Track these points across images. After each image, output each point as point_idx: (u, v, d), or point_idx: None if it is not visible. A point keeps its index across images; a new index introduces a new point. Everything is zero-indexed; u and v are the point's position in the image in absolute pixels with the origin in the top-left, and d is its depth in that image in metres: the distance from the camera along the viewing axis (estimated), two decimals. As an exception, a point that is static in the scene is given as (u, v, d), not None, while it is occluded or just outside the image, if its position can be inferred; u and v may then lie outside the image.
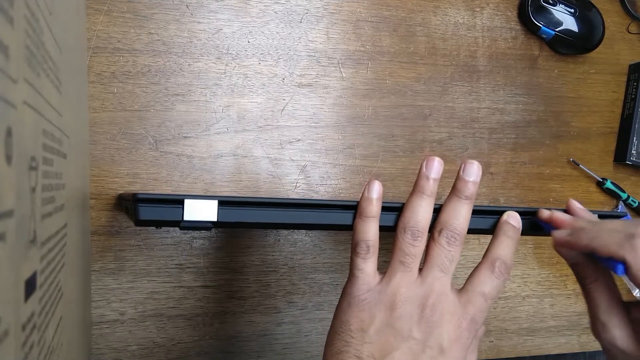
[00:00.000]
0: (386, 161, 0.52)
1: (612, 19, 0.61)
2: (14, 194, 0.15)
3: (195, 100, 0.46)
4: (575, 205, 0.38)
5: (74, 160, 0.32)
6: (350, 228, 0.34)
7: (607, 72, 0.61)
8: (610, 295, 0.34)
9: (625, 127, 0.60)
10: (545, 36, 0.57)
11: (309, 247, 0.50)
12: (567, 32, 0.56)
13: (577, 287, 0.59)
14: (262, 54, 0.48)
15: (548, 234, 0.36)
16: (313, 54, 0.50)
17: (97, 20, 0.43)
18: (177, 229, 0.46)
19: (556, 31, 0.56)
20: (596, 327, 0.34)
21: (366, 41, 0.51)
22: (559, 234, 0.34)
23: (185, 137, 0.46)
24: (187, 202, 0.30)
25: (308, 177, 0.49)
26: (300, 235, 0.49)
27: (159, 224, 0.30)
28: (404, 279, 0.32)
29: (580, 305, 0.59)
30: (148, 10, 0.45)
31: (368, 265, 0.33)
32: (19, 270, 0.16)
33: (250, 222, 0.32)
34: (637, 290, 0.61)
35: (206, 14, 0.46)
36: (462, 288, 0.33)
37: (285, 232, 0.49)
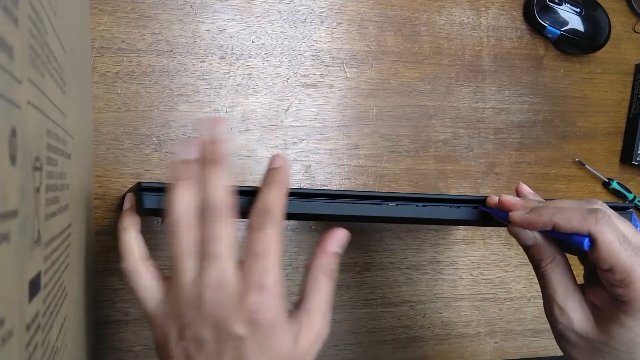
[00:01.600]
0: (390, 161, 0.52)
1: (618, 19, 0.60)
2: (18, 194, 0.15)
3: (199, 101, 0.46)
4: (525, 188, 0.37)
5: (78, 160, 0.32)
6: (353, 219, 0.34)
7: (613, 72, 0.60)
8: (567, 278, 0.33)
9: (631, 127, 0.60)
10: (550, 36, 0.56)
11: (312, 248, 0.50)
12: (573, 31, 0.56)
13: (583, 288, 0.58)
14: (266, 54, 0.48)
15: (501, 224, 0.35)
16: (317, 54, 0.50)
17: (101, 21, 0.43)
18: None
19: (562, 31, 0.56)
20: (553, 311, 0.33)
21: (370, 41, 0.51)
22: (517, 213, 0.32)
23: (189, 137, 0.46)
24: None
25: (312, 177, 0.49)
26: (304, 236, 0.49)
27: (163, 212, 0.30)
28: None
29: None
30: (152, 10, 0.45)
31: None
32: (23, 271, 0.16)
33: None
34: None
35: (210, 14, 0.46)
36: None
37: (288, 232, 0.49)
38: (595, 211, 0.30)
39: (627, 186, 0.60)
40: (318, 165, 0.49)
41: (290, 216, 0.32)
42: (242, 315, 0.27)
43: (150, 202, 0.30)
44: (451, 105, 0.54)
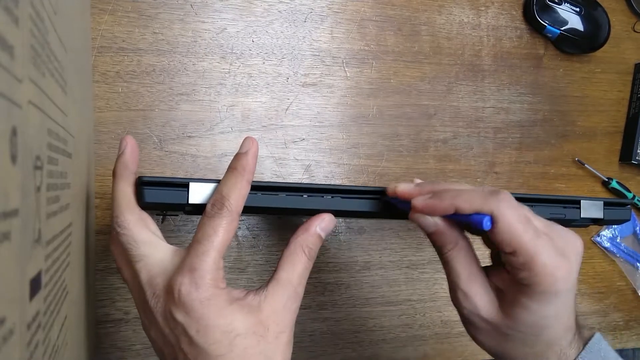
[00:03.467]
0: (390, 160, 0.52)
1: (618, 18, 0.60)
2: (19, 193, 0.15)
3: (199, 100, 0.46)
4: (417, 182, 0.37)
5: (79, 159, 0.32)
6: (361, 215, 0.34)
7: (612, 71, 0.60)
8: (471, 262, 0.32)
9: (631, 126, 0.60)
10: (550, 35, 0.56)
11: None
12: (573, 31, 0.56)
13: (583, 287, 0.59)
14: (266, 53, 0.48)
15: (404, 216, 0.33)
16: (317, 54, 0.50)
17: (101, 20, 0.43)
18: (180, 228, 0.46)
19: (561, 30, 0.56)
20: (458, 297, 0.32)
21: (371, 40, 0.51)
22: (418, 200, 0.31)
23: (189, 136, 0.46)
24: (192, 185, 0.30)
25: (312, 176, 0.49)
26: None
27: (163, 207, 0.30)
28: None
29: (586, 306, 0.59)
30: (152, 9, 0.45)
31: None
32: (24, 270, 0.16)
33: (256, 206, 0.31)
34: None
35: (210, 13, 0.46)
36: None
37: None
38: (497, 192, 0.29)
39: (627, 185, 0.60)
40: (318, 165, 0.49)
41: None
42: (177, 302, 0.28)
43: (151, 197, 0.30)
44: (451, 104, 0.54)
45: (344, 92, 0.50)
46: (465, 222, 0.30)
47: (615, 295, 0.60)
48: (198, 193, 0.30)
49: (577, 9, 0.57)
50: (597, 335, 0.34)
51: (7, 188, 0.14)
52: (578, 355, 0.32)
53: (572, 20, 0.56)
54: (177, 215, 0.46)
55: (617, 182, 0.59)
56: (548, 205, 0.36)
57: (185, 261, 0.28)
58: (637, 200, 0.60)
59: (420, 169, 0.53)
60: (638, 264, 0.61)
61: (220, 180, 0.30)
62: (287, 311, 0.30)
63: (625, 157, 0.60)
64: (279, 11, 0.48)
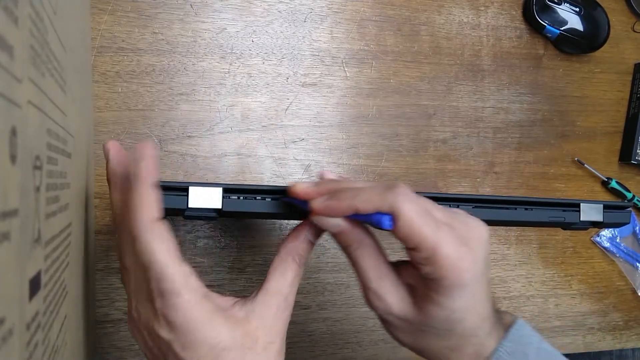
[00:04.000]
0: (390, 160, 0.52)
1: (618, 18, 0.60)
2: (18, 193, 0.15)
3: (199, 100, 0.46)
4: (328, 174, 0.36)
5: (79, 159, 0.32)
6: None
7: (612, 71, 0.60)
8: (378, 260, 0.31)
9: (630, 126, 0.60)
10: (550, 35, 0.56)
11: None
12: (572, 31, 0.56)
13: (582, 286, 0.59)
14: (266, 53, 0.48)
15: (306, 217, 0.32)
16: (317, 53, 0.50)
17: (101, 20, 0.43)
18: (180, 228, 0.46)
19: (561, 30, 0.56)
20: (369, 298, 0.31)
21: (370, 40, 0.51)
22: (316, 202, 0.29)
23: (189, 136, 0.46)
24: (191, 189, 0.30)
25: (312, 176, 0.49)
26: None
27: (163, 211, 0.30)
28: None
29: (585, 305, 0.59)
30: (152, 9, 0.45)
31: None
32: (24, 270, 0.16)
33: (256, 211, 0.31)
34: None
35: (210, 13, 0.46)
36: None
37: (289, 231, 0.49)
38: (394, 187, 0.28)
39: (626, 185, 0.60)
40: (318, 165, 0.49)
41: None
42: (161, 320, 0.27)
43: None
44: (450, 104, 0.54)
45: (344, 92, 0.50)
46: (368, 222, 0.29)
47: (615, 295, 0.60)
48: (197, 197, 0.30)
49: (577, 9, 0.57)
50: (519, 321, 0.33)
51: (7, 188, 0.14)
52: (498, 344, 0.31)
53: (572, 20, 0.56)
54: (176, 215, 0.46)
55: (617, 182, 0.59)
56: (547, 209, 0.36)
57: (149, 288, 0.27)
58: (637, 200, 0.60)
59: (419, 169, 0.53)
60: (638, 264, 0.61)
61: (217, 184, 0.30)
62: (277, 320, 0.30)
63: (625, 157, 0.60)
64: (279, 11, 0.48)
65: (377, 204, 0.27)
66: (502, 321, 0.33)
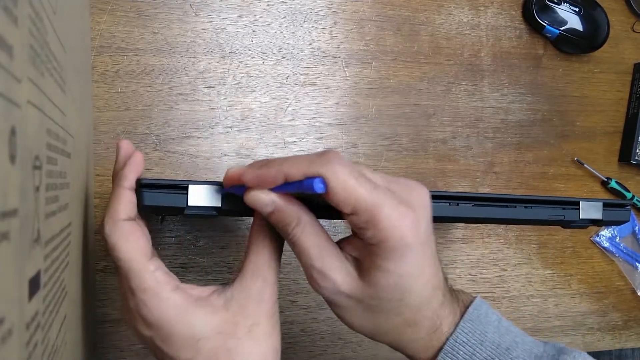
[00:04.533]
0: (390, 160, 0.52)
1: (617, 18, 0.60)
2: (18, 193, 0.15)
3: (198, 100, 0.46)
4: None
5: (78, 159, 0.32)
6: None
7: (611, 71, 0.60)
8: (319, 237, 0.29)
9: (630, 126, 0.60)
10: (549, 35, 0.56)
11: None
12: (572, 31, 0.56)
13: (582, 286, 0.59)
14: (265, 53, 0.48)
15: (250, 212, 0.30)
16: (317, 53, 0.50)
17: (101, 20, 0.43)
18: (179, 228, 0.46)
19: (561, 30, 0.56)
20: (314, 279, 0.29)
21: (370, 40, 0.51)
22: (248, 173, 0.28)
23: (188, 136, 0.46)
24: (191, 187, 0.30)
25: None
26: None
27: (163, 210, 0.30)
28: None
29: (585, 305, 0.59)
30: (152, 9, 0.45)
31: None
32: (23, 269, 0.16)
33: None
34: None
35: (210, 13, 0.46)
36: None
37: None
38: (325, 152, 0.26)
39: (626, 185, 0.60)
40: (317, 165, 0.49)
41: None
42: (138, 318, 0.28)
43: (150, 199, 0.30)
44: (450, 104, 0.54)
45: (343, 92, 0.50)
46: (300, 191, 0.27)
47: (615, 295, 0.60)
48: (197, 195, 0.30)
49: (577, 9, 0.57)
50: (478, 300, 0.32)
51: (6, 188, 0.14)
52: (457, 326, 0.30)
53: (572, 20, 0.56)
54: (176, 215, 0.46)
55: (616, 182, 0.59)
56: (547, 207, 0.36)
57: (124, 286, 0.28)
58: (636, 200, 0.60)
59: (419, 169, 0.53)
60: (637, 264, 0.61)
61: (217, 182, 0.30)
62: (259, 302, 0.29)
63: (625, 157, 0.60)
64: (278, 11, 0.48)
65: (306, 168, 0.26)
66: (460, 300, 0.32)
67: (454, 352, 0.30)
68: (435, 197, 0.33)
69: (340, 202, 0.26)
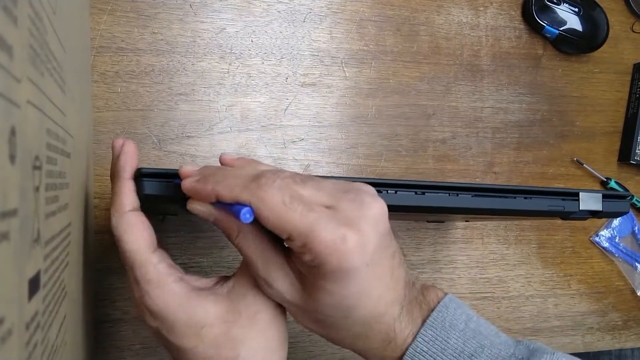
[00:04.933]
0: (389, 160, 0.52)
1: (617, 18, 0.60)
2: (17, 193, 0.15)
3: (198, 100, 0.46)
4: (228, 157, 0.32)
5: (78, 159, 0.32)
6: None
7: (611, 72, 0.61)
8: (262, 247, 0.28)
9: (629, 126, 0.60)
10: (549, 35, 0.56)
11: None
12: (571, 31, 0.56)
13: (582, 286, 0.59)
14: (265, 53, 0.48)
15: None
16: (316, 54, 0.50)
17: (100, 20, 0.43)
18: (180, 228, 0.46)
19: (560, 30, 0.56)
20: (261, 285, 0.29)
21: (369, 40, 0.51)
22: (186, 182, 0.27)
23: (188, 136, 0.46)
24: None
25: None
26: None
27: (163, 199, 0.30)
28: None
29: (584, 305, 0.59)
30: (151, 9, 0.45)
31: None
32: (23, 270, 0.16)
33: None
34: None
35: (209, 13, 0.46)
36: None
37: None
38: (260, 175, 0.25)
39: (625, 185, 0.60)
40: (317, 165, 0.49)
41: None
42: (144, 309, 0.28)
43: (151, 188, 0.29)
44: (450, 104, 0.54)
45: (343, 92, 0.50)
46: (231, 213, 0.26)
47: (614, 295, 0.60)
48: None
49: (576, 9, 0.57)
50: (445, 301, 0.30)
51: (6, 188, 0.14)
52: (417, 334, 0.29)
53: (571, 20, 0.56)
54: (176, 215, 0.46)
55: (616, 182, 0.59)
56: (546, 197, 0.36)
57: (130, 277, 0.29)
58: (636, 200, 0.60)
59: (419, 169, 0.53)
60: (637, 264, 0.61)
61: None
62: (260, 291, 0.29)
63: (624, 157, 0.60)
64: (278, 11, 0.48)
65: (237, 194, 0.25)
66: (426, 303, 0.31)
67: None
68: (435, 188, 0.33)
69: (275, 229, 0.25)
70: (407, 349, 0.29)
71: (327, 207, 0.25)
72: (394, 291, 0.28)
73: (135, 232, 0.28)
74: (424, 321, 0.30)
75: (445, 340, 0.29)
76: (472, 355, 0.29)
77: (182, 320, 0.28)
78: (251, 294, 0.29)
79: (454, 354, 0.29)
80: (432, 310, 0.30)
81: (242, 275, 0.30)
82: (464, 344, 0.29)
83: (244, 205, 0.25)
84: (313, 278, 0.26)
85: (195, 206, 0.28)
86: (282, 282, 0.28)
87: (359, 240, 0.25)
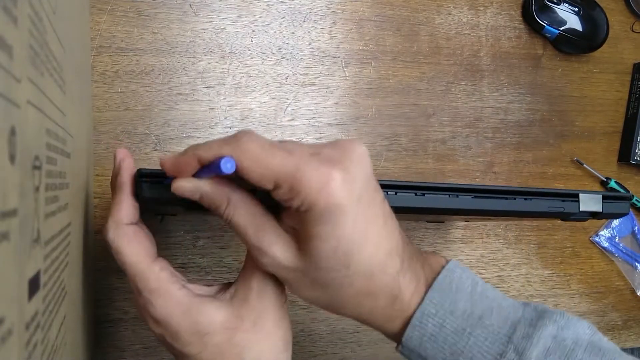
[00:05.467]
0: (389, 160, 0.52)
1: (617, 18, 0.60)
2: (17, 193, 0.15)
3: (198, 100, 0.46)
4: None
5: (78, 159, 0.32)
6: None
7: (611, 71, 0.61)
8: (253, 213, 0.27)
9: (629, 126, 0.60)
10: (549, 35, 0.56)
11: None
12: (571, 31, 0.56)
13: (581, 286, 0.59)
14: (265, 53, 0.48)
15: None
16: (316, 53, 0.50)
17: (100, 20, 0.43)
18: (179, 228, 0.46)
19: (560, 30, 0.56)
20: (255, 257, 0.28)
21: (369, 40, 0.51)
22: (166, 160, 0.27)
23: (188, 136, 0.46)
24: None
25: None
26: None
27: (162, 202, 0.30)
28: None
29: (584, 305, 0.59)
30: (151, 9, 0.45)
31: None
32: (23, 270, 0.16)
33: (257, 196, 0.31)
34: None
35: (209, 13, 0.46)
36: None
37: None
38: (237, 133, 0.25)
39: (625, 185, 0.60)
40: (317, 165, 0.49)
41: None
42: (148, 317, 0.29)
43: (151, 191, 0.29)
44: (450, 104, 0.54)
45: (343, 92, 0.50)
46: (215, 173, 0.26)
47: (614, 295, 0.60)
48: None
49: (576, 9, 0.57)
50: (450, 265, 0.30)
51: (6, 188, 0.14)
52: (424, 296, 0.28)
53: (571, 20, 0.56)
54: (175, 215, 0.46)
55: (616, 182, 0.59)
56: (546, 199, 0.36)
57: (132, 287, 0.29)
58: (636, 200, 0.60)
59: (419, 169, 0.53)
60: (636, 264, 0.61)
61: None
62: (262, 294, 0.29)
63: (624, 157, 0.60)
64: (278, 11, 0.48)
65: (216, 150, 0.25)
66: (428, 264, 0.30)
67: (422, 326, 0.29)
68: (435, 189, 0.33)
69: (258, 179, 0.24)
70: (414, 311, 0.29)
71: (310, 154, 0.25)
72: (390, 240, 0.27)
73: (134, 244, 0.28)
74: (428, 284, 0.29)
75: (453, 303, 0.29)
76: (481, 317, 0.29)
77: (186, 327, 0.28)
78: (254, 298, 0.29)
79: (463, 317, 0.29)
80: (438, 274, 0.30)
81: (244, 281, 0.30)
82: (472, 307, 0.29)
83: (225, 158, 0.24)
84: (306, 227, 0.25)
85: (179, 184, 0.27)
86: (277, 245, 0.27)
87: (345, 176, 0.24)
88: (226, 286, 0.31)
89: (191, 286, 0.30)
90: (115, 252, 0.28)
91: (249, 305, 0.29)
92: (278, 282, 0.30)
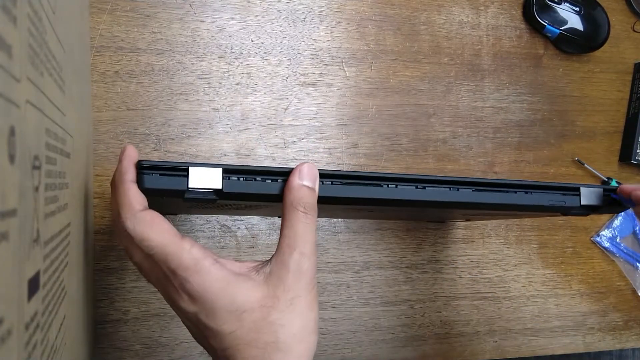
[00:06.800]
0: (390, 160, 0.52)
1: (618, 18, 0.60)
2: (17, 193, 0.15)
3: (198, 100, 0.46)
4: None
5: (78, 159, 0.32)
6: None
7: (612, 71, 0.60)
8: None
9: (630, 126, 0.60)
10: (550, 35, 0.56)
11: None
12: (572, 30, 0.56)
13: (582, 287, 0.59)
14: (265, 52, 0.48)
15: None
16: (317, 53, 0.49)
17: (100, 20, 0.43)
18: (179, 228, 0.46)
19: (561, 30, 0.56)
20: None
21: (370, 40, 0.51)
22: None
23: (188, 136, 0.46)
24: (191, 169, 0.30)
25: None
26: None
27: (163, 193, 0.30)
28: None
29: (585, 305, 0.59)
30: (151, 9, 0.45)
31: None
32: (22, 270, 0.16)
33: (256, 193, 0.31)
34: (642, 290, 0.61)
35: (209, 12, 0.46)
36: None
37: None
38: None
39: (626, 185, 0.60)
40: (317, 164, 0.49)
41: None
42: (183, 295, 0.28)
43: (151, 182, 0.29)
44: (450, 104, 0.54)
45: (343, 91, 0.50)
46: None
47: (615, 295, 0.60)
48: (198, 178, 0.30)
49: (577, 9, 0.57)
50: None
51: (5, 188, 0.14)
52: None
53: (572, 19, 0.56)
54: (175, 214, 0.45)
55: (617, 182, 0.59)
56: (547, 192, 0.36)
57: (163, 270, 0.29)
58: (637, 200, 0.60)
59: (419, 169, 0.53)
60: (637, 264, 0.61)
61: (217, 164, 0.30)
62: (298, 274, 0.30)
63: (625, 156, 0.60)
64: (278, 11, 0.48)
65: None
66: None
67: None
68: (436, 182, 0.33)
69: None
70: None
71: None
72: None
73: (157, 226, 0.28)
74: None
75: None
76: None
77: (223, 304, 0.28)
78: (290, 279, 0.30)
79: None
80: None
81: (280, 263, 0.30)
82: None
83: None
84: None
85: None
86: None
87: None
88: (259, 265, 0.31)
89: (223, 261, 0.30)
90: (139, 240, 0.28)
91: (285, 285, 0.29)
92: (312, 263, 0.30)
